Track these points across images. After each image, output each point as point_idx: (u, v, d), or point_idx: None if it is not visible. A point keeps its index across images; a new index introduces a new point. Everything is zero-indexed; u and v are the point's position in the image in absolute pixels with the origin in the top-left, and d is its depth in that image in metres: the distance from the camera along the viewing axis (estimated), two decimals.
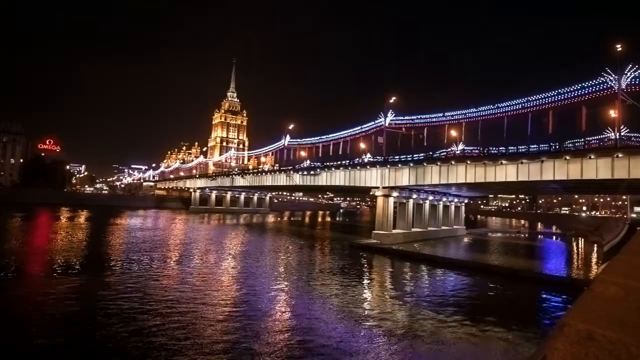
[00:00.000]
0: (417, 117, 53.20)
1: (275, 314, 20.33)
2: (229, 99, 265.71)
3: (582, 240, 74.06)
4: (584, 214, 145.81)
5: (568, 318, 1.74)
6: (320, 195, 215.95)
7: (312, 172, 67.45)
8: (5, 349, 14.32)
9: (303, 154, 78.38)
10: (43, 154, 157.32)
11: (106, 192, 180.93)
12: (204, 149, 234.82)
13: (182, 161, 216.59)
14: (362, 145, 61.07)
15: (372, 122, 57.79)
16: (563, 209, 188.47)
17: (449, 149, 51.21)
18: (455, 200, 71.56)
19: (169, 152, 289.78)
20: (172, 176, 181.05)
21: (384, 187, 53.80)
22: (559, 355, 1.42)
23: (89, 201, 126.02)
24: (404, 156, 52.58)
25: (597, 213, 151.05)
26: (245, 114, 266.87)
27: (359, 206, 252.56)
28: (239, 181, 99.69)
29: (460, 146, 50.91)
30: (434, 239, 60.52)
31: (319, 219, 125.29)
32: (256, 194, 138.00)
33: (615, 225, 72.23)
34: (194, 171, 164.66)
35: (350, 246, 49.44)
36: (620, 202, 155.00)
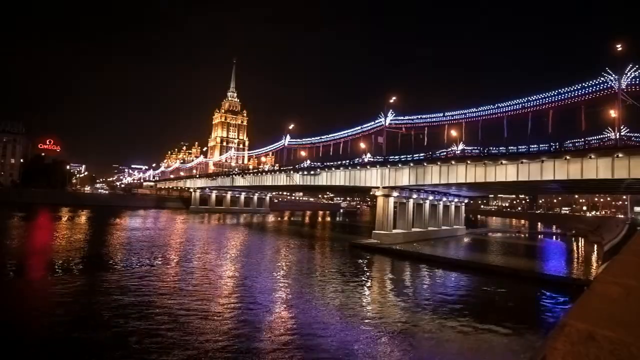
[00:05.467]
0: (417, 117, 53.24)
1: (275, 313, 20.32)
2: (229, 99, 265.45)
3: (583, 240, 74.03)
4: (589, 214, 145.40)
5: (568, 318, 1.74)
6: (320, 195, 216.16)
7: (312, 172, 67.44)
8: (6, 348, 14.32)
9: (303, 153, 78.58)
10: (43, 154, 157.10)
11: (106, 192, 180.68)
12: (204, 148, 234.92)
13: (182, 161, 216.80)
14: (362, 145, 61.20)
15: (372, 122, 57.86)
16: (563, 208, 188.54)
17: (449, 149, 51.23)
18: (456, 200, 71.55)
19: (169, 152, 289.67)
20: (172, 176, 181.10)
21: (384, 187, 53.80)
22: (559, 355, 1.42)
23: (89, 201, 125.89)
24: (404, 156, 52.62)
25: (597, 213, 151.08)
26: (245, 114, 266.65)
27: (359, 206, 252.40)
28: (239, 181, 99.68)
29: (461, 146, 50.91)
30: (434, 239, 60.50)
31: (319, 219, 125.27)
32: (256, 194, 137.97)
33: (616, 225, 72.20)
34: (194, 171, 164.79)
35: (350, 246, 49.43)
36: (620, 202, 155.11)
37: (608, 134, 39.57)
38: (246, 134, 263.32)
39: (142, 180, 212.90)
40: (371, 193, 58.51)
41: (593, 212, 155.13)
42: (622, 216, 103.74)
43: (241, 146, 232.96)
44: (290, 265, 35.18)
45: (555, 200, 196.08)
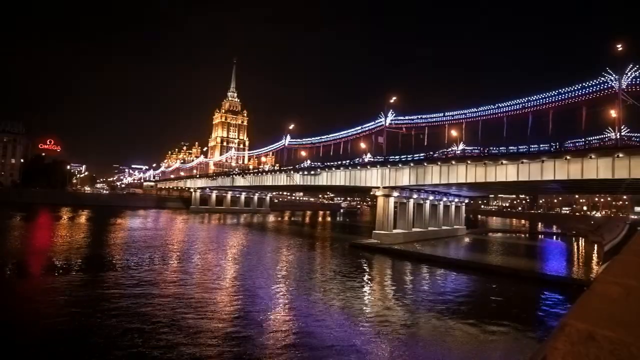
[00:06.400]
0: (418, 117, 53.24)
1: (275, 314, 20.32)
2: (229, 99, 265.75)
3: (583, 240, 74.05)
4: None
5: (568, 318, 1.74)
6: (320, 195, 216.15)
7: (312, 172, 67.45)
8: (6, 346, 14.33)
9: (303, 153, 78.58)
10: (43, 154, 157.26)
11: (106, 192, 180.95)
12: (205, 149, 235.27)
13: (182, 161, 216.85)
14: (363, 145, 61.16)
15: (373, 122, 57.85)
16: (564, 208, 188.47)
17: (449, 149, 51.21)
18: (456, 200, 71.53)
19: (170, 152, 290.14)
20: (172, 176, 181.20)
21: (384, 187, 53.79)
22: (560, 355, 1.42)
23: (89, 201, 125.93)
24: (405, 156, 52.60)
25: (598, 213, 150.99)
26: (245, 114, 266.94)
27: (359, 206, 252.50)
28: (240, 181, 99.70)
29: (461, 146, 50.89)
30: (435, 239, 60.49)
31: (320, 219, 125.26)
32: (257, 194, 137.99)
33: (616, 225, 72.17)
34: (195, 171, 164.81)
35: (350, 246, 49.43)
36: (620, 202, 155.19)
37: (608, 134, 39.51)
38: (246, 134, 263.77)
39: (142, 180, 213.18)
40: (371, 193, 58.50)
41: (594, 212, 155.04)
42: (635, 217, 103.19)
43: (241, 146, 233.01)
44: (291, 265, 35.19)
45: (555, 200, 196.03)
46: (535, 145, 41.56)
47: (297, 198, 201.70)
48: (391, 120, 54.93)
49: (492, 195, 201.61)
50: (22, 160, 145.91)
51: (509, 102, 43.58)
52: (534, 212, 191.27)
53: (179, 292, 22.94)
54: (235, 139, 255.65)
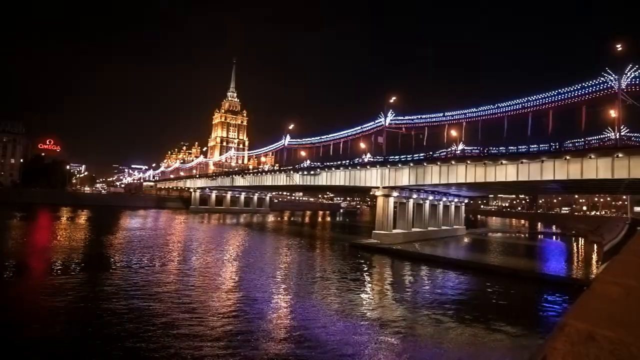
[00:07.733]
0: (417, 117, 53.23)
1: (275, 314, 20.32)
2: (229, 99, 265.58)
3: (583, 240, 74.05)
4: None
5: (568, 318, 1.74)
6: (320, 195, 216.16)
7: (312, 172, 67.43)
8: (6, 346, 14.31)
9: (303, 153, 78.63)
10: (43, 154, 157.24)
11: (105, 192, 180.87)
12: (204, 149, 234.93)
13: (182, 161, 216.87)
14: (362, 145, 61.18)
15: (372, 122, 57.83)
16: (563, 208, 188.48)
17: (449, 149, 51.20)
18: (455, 200, 71.53)
19: (169, 152, 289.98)
20: (172, 176, 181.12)
21: (384, 187, 53.78)
22: (559, 355, 1.42)
23: (89, 201, 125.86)
24: (404, 156, 52.60)
25: (597, 213, 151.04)
26: (245, 114, 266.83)
27: (359, 206, 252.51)
28: (239, 181, 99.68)
29: (460, 146, 50.89)
30: (434, 239, 60.48)
31: (319, 219, 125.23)
32: (256, 194, 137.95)
33: (616, 225, 72.16)
34: (194, 171, 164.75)
35: (350, 246, 49.43)
36: (620, 202, 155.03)
37: (608, 134, 39.57)
38: (246, 134, 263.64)
39: (142, 180, 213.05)
40: (371, 193, 58.50)
41: (593, 212, 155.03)
42: (635, 217, 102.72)
43: (241, 146, 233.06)
44: (290, 266, 35.18)
45: (555, 200, 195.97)
46: (535, 145, 41.56)
47: (297, 198, 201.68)
48: (391, 120, 54.93)
49: (492, 195, 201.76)
50: (22, 160, 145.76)
51: (509, 102, 43.60)
52: (533, 212, 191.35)
53: (177, 293, 22.92)
54: (235, 139, 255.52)
